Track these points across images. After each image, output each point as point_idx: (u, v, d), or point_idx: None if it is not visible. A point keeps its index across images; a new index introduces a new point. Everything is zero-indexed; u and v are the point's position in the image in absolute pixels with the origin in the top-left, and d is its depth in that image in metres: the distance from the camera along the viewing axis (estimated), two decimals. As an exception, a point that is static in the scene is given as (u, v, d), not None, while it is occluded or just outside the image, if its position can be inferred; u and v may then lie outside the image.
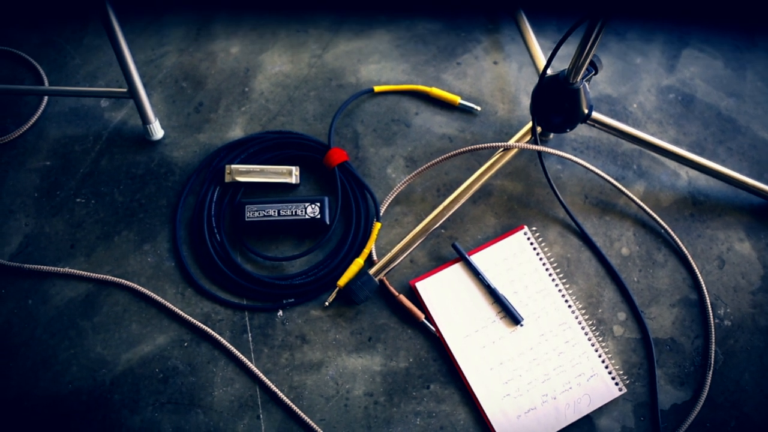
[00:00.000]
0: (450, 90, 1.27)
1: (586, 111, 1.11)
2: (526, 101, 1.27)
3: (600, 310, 1.12)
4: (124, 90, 1.15)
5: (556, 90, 1.08)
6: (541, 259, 1.14)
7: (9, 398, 1.05)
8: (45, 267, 1.13)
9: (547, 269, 1.14)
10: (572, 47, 1.26)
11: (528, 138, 1.16)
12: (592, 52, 0.99)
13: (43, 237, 1.16)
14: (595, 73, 1.07)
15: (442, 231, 1.16)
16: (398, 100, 1.27)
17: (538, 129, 1.15)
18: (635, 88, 1.29)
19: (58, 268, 1.13)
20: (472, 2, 1.37)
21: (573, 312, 1.11)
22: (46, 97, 1.26)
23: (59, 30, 1.33)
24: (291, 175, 1.18)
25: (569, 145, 1.23)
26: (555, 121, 1.12)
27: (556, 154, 1.13)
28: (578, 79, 1.05)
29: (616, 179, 1.20)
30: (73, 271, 1.13)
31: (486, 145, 1.13)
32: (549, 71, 1.08)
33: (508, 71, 1.30)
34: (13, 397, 1.05)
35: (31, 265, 1.13)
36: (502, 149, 1.15)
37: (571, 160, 1.14)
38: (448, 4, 1.36)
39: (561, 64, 1.26)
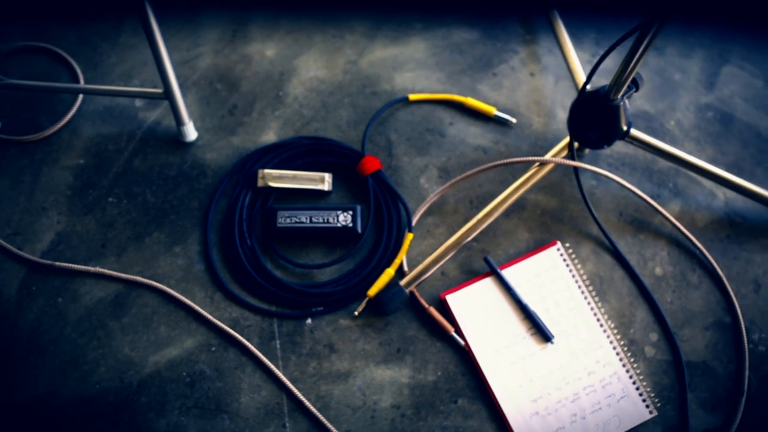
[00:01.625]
0: (485, 101, 1.26)
1: (625, 128, 1.10)
2: (561, 115, 1.26)
3: (632, 330, 1.10)
4: (160, 91, 1.15)
5: (595, 106, 1.07)
6: (573, 276, 1.13)
7: (37, 396, 1.05)
8: (76, 266, 1.13)
9: (579, 287, 1.12)
10: (609, 61, 1.25)
11: (564, 153, 1.15)
12: (637, 68, 0.98)
13: (74, 235, 1.16)
14: (636, 90, 1.06)
15: (474, 244, 1.15)
16: (433, 109, 1.26)
17: (575, 144, 1.13)
18: (673, 104, 1.28)
19: (89, 267, 1.13)
20: (507, 4, 1.36)
21: (605, 331, 1.10)
22: (81, 95, 1.26)
23: (96, 28, 1.33)
24: (323, 182, 1.17)
25: (605, 161, 1.22)
26: (593, 138, 1.11)
27: (592, 171, 1.12)
28: (619, 96, 1.04)
29: (652, 197, 1.18)
30: (103, 270, 1.13)
31: (522, 159, 1.12)
32: (587, 86, 1.07)
33: (544, 84, 1.29)
34: (41, 394, 1.05)
35: (62, 263, 1.13)
36: (538, 164, 1.13)
37: (607, 177, 1.13)
38: (485, 13, 1.35)
39: (597, 79, 1.25)
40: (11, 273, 1.13)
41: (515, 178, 1.16)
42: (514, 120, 1.25)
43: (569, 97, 1.27)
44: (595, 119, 1.09)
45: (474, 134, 1.24)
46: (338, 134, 1.23)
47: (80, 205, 1.18)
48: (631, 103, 1.27)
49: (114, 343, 1.09)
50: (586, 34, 1.34)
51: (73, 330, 1.09)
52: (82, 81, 1.27)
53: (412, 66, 1.30)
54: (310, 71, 1.29)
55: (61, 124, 1.23)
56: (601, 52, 1.29)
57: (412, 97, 1.25)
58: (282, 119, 1.25)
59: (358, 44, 1.32)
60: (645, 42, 0.92)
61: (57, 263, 1.13)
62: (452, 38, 1.33)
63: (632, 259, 1.15)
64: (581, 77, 1.21)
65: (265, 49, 1.31)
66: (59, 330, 1.09)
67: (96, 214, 1.17)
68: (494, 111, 1.24)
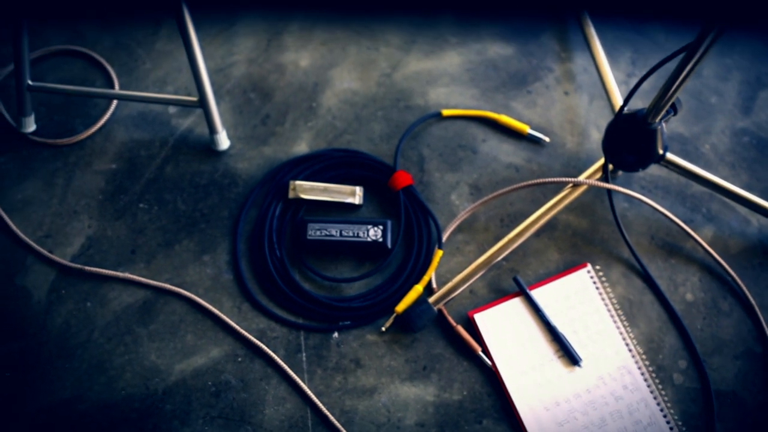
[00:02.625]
0: (519, 118, 1.26)
1: (661, 152, 1.09)
2: (595, 135, 1.25)
3: (660, 357, 1.09)
4: (195, 99, 1.15)
5: (632, 129, 1.06)
6: (603, 299, 1.12)
7: (64, 399, 1.06)
8: (105, 270, 1.13)
9: (608, 310, 1.12)
10: (645, 82, 1.24)
11: (598, 175, 1.14)
12: (678, 92, 0.96)
13: (105, 240, 1.16)
14: (674, 114, 1.05)
15: (504, 263, 1.15)
16: (466, 125, 1.26)
17: (610, 167, 1.13)
18: (708, 128, 1.27)
19: (118, 273, 1.13)
20: (543, 20, 1.35)
21: (633, 356, 1.09)
22: (115, 100, 1.26)
23: (132, 33, 1.34)
24: (354, 195, 1.17)
25: (637, 183, 1.21)
26: (628, 160, 1.10)
27: (626, 194, 1.11)
28: (657, 120, 1.03)
29: (685, 222, 1.17)
30: (132, 276, 1.13)
31: (556, 179, 1.11)
32: (620, 104, 1.06)
33: (578, 103, 1.28)
34: (68, 398, 1.06)
35: (91, 268, 1.13)
36: (571, 185, 1.13)
37: (640, 200, 1.11)
38: (521, 28, 1.34)
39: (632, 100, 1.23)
40: (41, 275, 1.14)
41: (547, 198, 1.15)
42: (547, 139, 1.24)
43: (603, 117, 1.26)
44: (631, 142, 1.08)
45: (506, 152, 1.23)
46: (370, 147, 1.23)
47: (111, 210, 1.18)
48: (667, 126, 1.25)
49: (141, 349, 1.09)
50: (622, 53, 1.33)
51: (101, 335, 1.10)
52: (117, 86, 1.28)
53: (446, 81, 1.29)
54: (344, 83, 1.29)
55: (95, 128, 1.24)
56: (636, 72, 1.29)
57: (446, 112, 1.25)
58: (314, 130, 1.24)
59: (393, 57, 1.32)
60: (690, 65, 0.91)
61: (87, 267, 1.13)
62: (487, 54, 1.32)
63: (663, 284, 1.14)
64: (617, 98, 1.20)
65: (299, 59, 1.31)
66: (87, 334, 1.10)
67: (127, 219, 1.18)
68: (527, 129, 1.23)
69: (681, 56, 0.92)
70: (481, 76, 1.30)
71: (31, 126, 1.23)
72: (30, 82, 1.17)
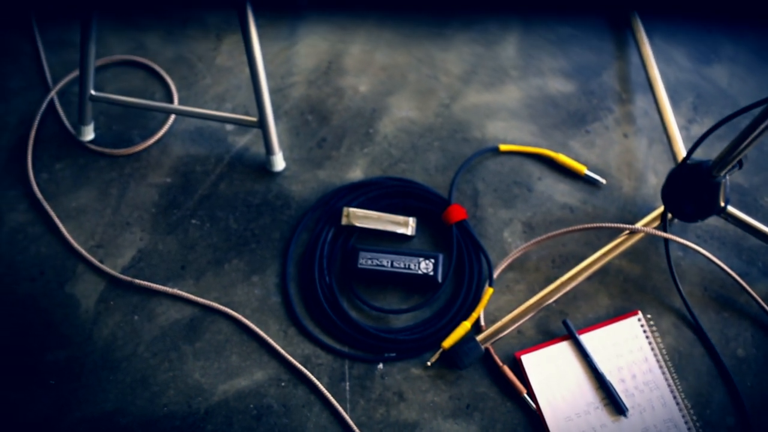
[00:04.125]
0: (576, 158, 1.24)
1: (722, 204, 1.07)
2: (653, 180, 1.24)
3: (708, 412, 1.07)
4: (254, 119, 1.15)
5: (695, 180, 1.05)
6: (652, 349, 1.11)
7: (106, 412, 1.06)
8: (155, 285, 1.14)
9: (657, 360, 1.10)
10: (699, 128, 1.22)
11: (656, 223, 1.12)
12: (751, 147, 0.95)
13: (155, 254, 1.17)
14: (739, 169, 1.03)
15: (553, 305, 1.13)
16: (522, 161, 1.25)
17: (668, 215, 1.11)
18: (768, 180, 1.25)
19: (168, 288, 1.13)
20: (606, 58, 1.34)
21: (680, 410, 1.07)
22: (173, 115, 1.27)
23: (193, 47, 1.34)
24: (407, 226, 1.16)
25: (693, 232, 1.19)
26: (688, 211, 1.08)
27: (683, 244, 1.09)
28: (723, 173, 1.02)
29: (739, 275, 1.15)
30: (181, 293, 1.13)
31: (613, 225, 1.10)
32: (682, 151, 1.04)
33: (637, 146, 1.27)
34: (110, 410, 1.06)
35: (141, 281, 1.14)
36: (627, 231, 1.11)
37: (696, 251, 1.10)
38: (583, 66, 1.33)
39: (686, 144, 1.22)
40: (91, 285, 1.14)
41: (600, 240, 1.14)
42: (603, 181, 1.23)
43: (662, 163, 1.25)
44: (693, 193, 1.06)
45: (562, 191, 1.22)
46: (425, 178, 1.22)
47: (164, 224, 1.19)
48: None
49: (185, 367, 1.09)
50: (684, 97, 1.32)
51: (147, 349, 1.10)
52: (176, 99, 1.29)
53: (504, 115, 1.29)
54: (401, 111, 1.29)
55: (152, 140, 1.25)
56: (698, 118, 1.28)
57: (503, 147, 1.24)
58: (370, 157, 1.24)
59: (452, 87, 1.31)
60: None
61: (136, 280, 1.14)
62: (547, 89, 1.31)
63: (714, 337, 1.12)
64: (679, 145, 1.18)
65: (358, 84, 1.31)
66: (133, 348, 1.10)
67: (178, 234, 1.18)
68: (585, 170, 1.22)
69: (758, 110, 0.90)
70: (540, 113, 1.29)
71: (89, 135, 1.24)
72: (93, 92, 1.18)
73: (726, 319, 1.13)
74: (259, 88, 1.10)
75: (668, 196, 1.09)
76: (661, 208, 1.12)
